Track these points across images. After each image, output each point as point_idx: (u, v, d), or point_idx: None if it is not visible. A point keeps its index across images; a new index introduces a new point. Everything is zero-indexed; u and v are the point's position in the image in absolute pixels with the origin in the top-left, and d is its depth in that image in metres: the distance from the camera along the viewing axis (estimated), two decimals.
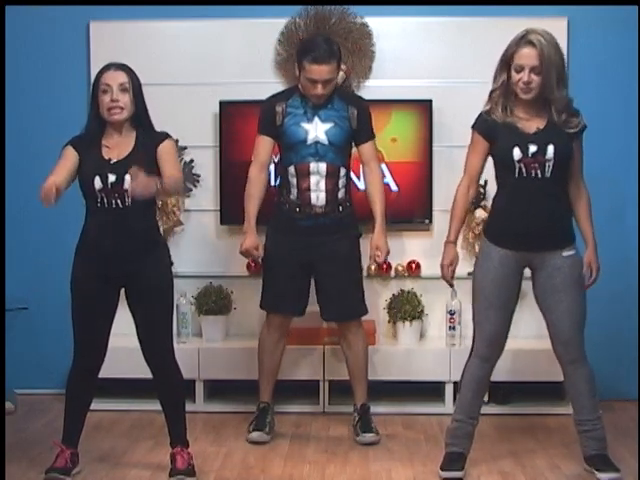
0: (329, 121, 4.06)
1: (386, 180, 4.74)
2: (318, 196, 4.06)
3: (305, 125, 4.05)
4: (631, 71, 4.73)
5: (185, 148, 4.84)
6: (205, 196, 4.88)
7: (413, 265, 4.80)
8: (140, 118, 3.56)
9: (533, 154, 3.47)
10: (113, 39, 4.82)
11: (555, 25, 4.71)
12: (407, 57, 4.80)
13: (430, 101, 4.73)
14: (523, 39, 3.47)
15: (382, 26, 4.80)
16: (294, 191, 4.08)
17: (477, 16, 4.75)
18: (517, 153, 3.47)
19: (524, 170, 3.48)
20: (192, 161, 4.86)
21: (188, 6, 4.78)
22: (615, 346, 4.71)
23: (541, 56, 3.43)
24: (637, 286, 4.74)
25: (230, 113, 4.77)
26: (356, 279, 4.18)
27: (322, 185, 4.06)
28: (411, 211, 4.82)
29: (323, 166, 4.05)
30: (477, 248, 4.71)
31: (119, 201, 3.46)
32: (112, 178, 3.46)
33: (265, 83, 4.76)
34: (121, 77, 3.51)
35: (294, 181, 4.08)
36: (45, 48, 4.86)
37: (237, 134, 4.77)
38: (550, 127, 3.50)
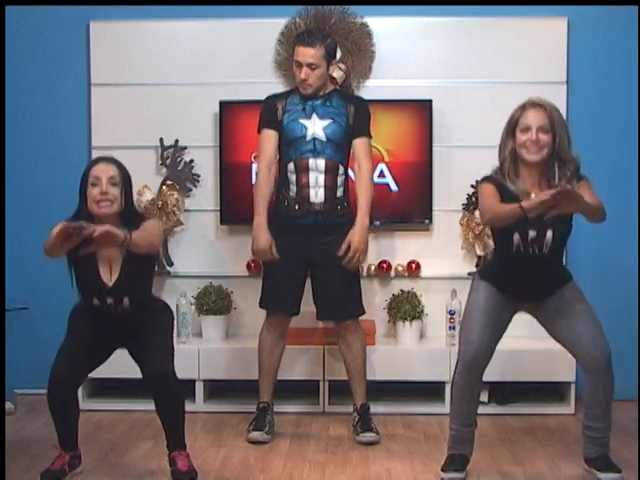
0: (327, 118, 4.07)
1: (386, 180, 4.76)
2: (317, 192, 4.07)
3: (303, 121, 4.06)
4: (631, 71, 4.73)
5: (185, 148, 4.84)
6: (205, 196, 4.88)
7: (413, 265, 4.79)
8: (129, 212, 3.50)
9: (532, 239, 3.46)
10: (113, 39, 4.82)
11: (555, 25, 4.74)
12: (407, 57, 4.81)
13: (430, 101, 4.73)
14: (527, 103, 3.47)
15: (382, 26, 4.81)
16: (293, 188, 4.09)
17: (477, 16, 4.75)
18: (516, 238, 3.46)
19: (522, 249, 3.47)
20: (192, 161, 4.86)
21: (188, 6, 4.78)
22: (615, 346, 4.67)
23: (550, 116, 3.43)
24: (637, 286, 4.74)
25: (230, 113, 4.77)
26: (353, 280, 4.17)
27: (321, 181, 4.06)
28: (411, 211, 4.82)
29: (322, 162, 4.06)
30: (477, 248, 4.74)
31: (118, 308, 3.50)
32: (110, 301, 3.49)
33: (265, 83, 4.76)
34: (111, 170, 3.47)
35: (293, 177, 4.08)
36: (45, 48, 4.86)
37: (237, 134, 4.77)
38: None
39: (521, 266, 3.50)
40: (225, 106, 4.77)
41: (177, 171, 4.84)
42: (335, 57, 4.20)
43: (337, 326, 4.19)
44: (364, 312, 4.22)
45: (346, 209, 4.14)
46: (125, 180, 3.51)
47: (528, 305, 3.61)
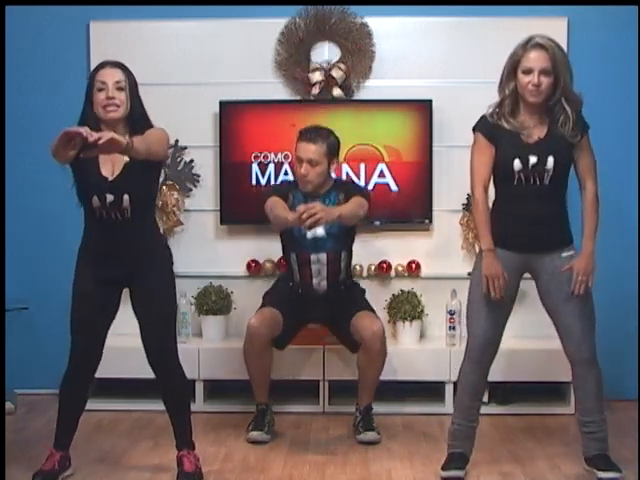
0: None
1: (386, 180, 4.76)
2: (320, 282, 4.16)
3: None
4: (631, 71, 4.73)
5: (185, 148, 4.85)
6: (205, 196, 4.88)
7: (413, 265, 4.80)
8: (135, 117, 3.46)
9: (533, 165, 3.46)
10: (113, 39, 4.82)
11: (555, 25, 4.73)
12: (407, 57, 4.80)
13: (430, 101, 4.73)
14: (530, 42, 3.46)
15: (382, 26, 4.81)
16: (297, 275, 4.18)
17: (477, 16, 4.75)
18: (517, 164, 3.46)
19: (523, 179, 3.47)
20: (192, 161, 4.86)
21: (188, 6, 4.78)
22: (615, 346, 4.70)
23: (552, 58, 3.42)
24: (637, 286, 4.74)
25: (230, 113, 4.77)
26: (362, 301, 4.25)
27: (324, 272, 4.14)
28: (411, 211, 4.82)
29: (323, 256, 4.12)
30: (477, 248, 4.73)
31: (118, 215, 3.42)
32: (110, 198, 3.41)
33: (265, 83, 4.77)
34: (117, 75, 3.43)
35: (296, 267, 4.17)
36: (45, 48, 4.86)
37: (237, 134, 4.77)
38: (551, 136, 3.48)
39: (521, 201, 3.48)
40: (225, 106, 4.77)
41: (177, 171, 4.84)
42: (337, 155, 4.16)
43: (365, 338, 4.07)
44: (373, 310, 4.21)
45: (349, 284, 4.25)
46: (132, 84, 3.47)
47: (532, 261, 3.54)
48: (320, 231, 4.07)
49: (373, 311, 4.21)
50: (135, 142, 3.22)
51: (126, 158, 3.37)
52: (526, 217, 3.49)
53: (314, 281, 4.15)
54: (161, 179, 4.78)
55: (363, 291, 4.35)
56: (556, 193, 3.52)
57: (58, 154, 3.21)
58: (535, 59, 3.43)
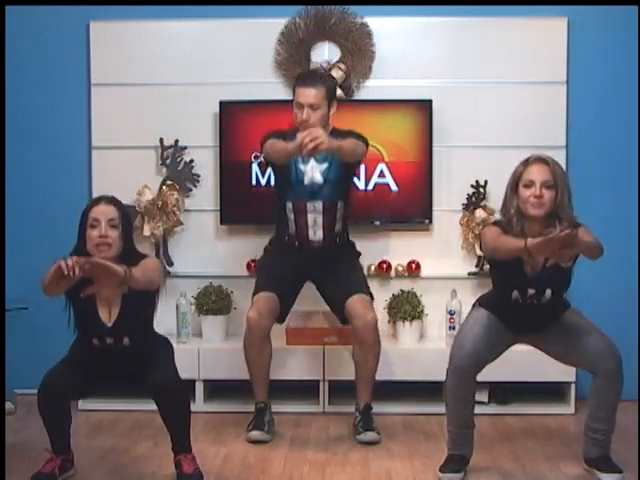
0: (325, 161, 4.07)
1: (386, 180, 4.76)
2: (315, 232, 4.13)
3: (302, 167, 4.09)
4: (631, 71, 4.73)
5: (185, 148, 4.85)
6: (205, 196, 4.88)
7: (413, 265, 4.79)
8: (128, 254, 3.45)
9: (531, 296, 3.49)
10: (113, 39, 4.82)
11: (555, 25, 4.74)
12: (407, 57, 4.81)
13: (430, 101, 4.73)
14: (531, 158, 3.48)
15: (382, 26, 4.81)
16: (292, 226, 4.15)
17: (477, 16, 4.75)
18: (515, 295, 3.50)
19: (520, 301, 3.51)
20: (192, 161, 4.86)
21: (188, 6, 4.78)
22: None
23: (553, 172, 3.43)
24: (637, 286, 4.74)
25: (230, 113, 4.77)
26: (359, 276, 4.22)
27: (319, 221, 4.11)
28: (411, 211, 4.82)
29: (319, 204, 4.10)
30: (477, 248, 4.73)
31: (118, 347, 3.48)
32: (110, 341, 3.47)
33: (265, 83, 4.77)
34: (110, 212, 3.43)
35: (292, 217, 4.13)
36: (45, 48, 4.86)
37: (237, 134, 4.77)
38: (549, 266, 3.43)
39: (520, 311, 3.54)
40: (225, 106, 4.77)
41: (177, 171, 4.84)
42: (335, 97, 4.16)
43: (357, 328, 4.08)
44: (373, 297, 4.20)
45: (345, 238, 4.22)
46: (125, 221, 3.47)
47: (528, 337, 3.65)
48: (317, 177, 4.06)
49: (368, 290, 4.18)
50: (134, 271, 3.25)
51: (121, 299, 3.42)
52: (524, 319, 3.55)
53: (310, 232, 4.11)
54: (161, 179, 4.84)
55: (358, 255, 4.30)
56: (554, 305, 3.56)
57: (52, 289, 3.23)
58: (536, 172, 3.43)
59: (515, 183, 3.48)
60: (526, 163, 3.48)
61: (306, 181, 4.09)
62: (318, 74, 4.20)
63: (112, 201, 3.49)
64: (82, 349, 3.55)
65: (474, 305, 3.71)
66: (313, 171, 4.08)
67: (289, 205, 4.12)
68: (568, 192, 3.47)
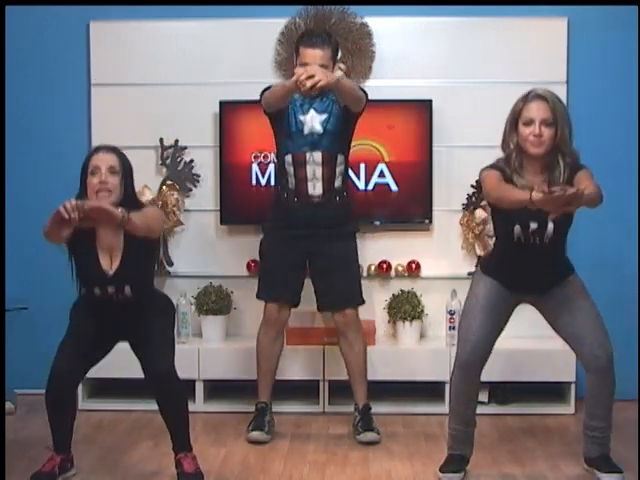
0: (324, 112, 4.06)
1: (386, 180, 4.76)
2: (315, 185, 4.07)
3: (301, 117, 4.07)
4: (631, 71, 4.73)
5: (185, 148, 4.85)
6: (205, 196, 4.88)
7: (413, 265, 4.79)
8: (128, 202, 3.46)
9: (533, 230, 3.44)
10: (113, 39, 4.82)
11: (555, 25, 4.74)
12: (407, 57, 4.81)
13: (430, 101, 4.73)
14: (530, 94, 3.44)
15: (382, 26, 4.81)
16: (292, 180, 4.09)
17: (477, 16, 4.75)
18: (517, 230, 3.45)
19: (522, 239, 3.46)
20: (192, 161, 4.86)
21: (188, 6, 4.78)
22: (615, 346, 4.69)
23: (553, 109, 3.39)
24: (637, 286, 4.74)
25: (230, 113, 4.77)
26: (353, 273, 4.19)
27: (319, 174, 4.06)
28: (411, 211, 4.82)
29: (318, 155, 4.05)
30: (477, 248, 4.74)
31: (120, 297, 3.49)
32: (112, 290, 3.48)
33: (265, 83, 4.73)
34: (110, 159, 3.46)
35: (291, 170, 4.08)
36: (45, 48, 4.86)
37: (237, 134, 4.77)
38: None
39: (522, 256, 3.48)
40: (225, 106, 4.77)
41: (177, 171, 4.84)
42: (338, 55, 4.19)
43: (338, 323, 4.17)
44: (364, 301, 4.21)
45: (345, 199, 4.14)
46: (125, 168, 3.50)
47: (530, 297, 3.59)
48: (317, 127, 4.05)
49: (357, 277, 4.18)
50: (133, 217, 3.27)
51: (121, 241, 3.43)
52: (525, 269, 3.50)
53: (309, 185, 4.05)
54: (161, 179, 4.84)
55: (354, 233, 4.21)
56: (556, 247, 3.52)
57: (52, 234, 3.26)
58: (536, 109, 3.40)
59: (515, 119, 3.45)
60: (525, 99, 3.44)
61: (306, 131, 4.05)
62: (321, 34, 4.14)
63: (112, 149, 3.52)
64: (82, 315, 3.55)
65: (476, 268, 3.66)
66: (313, 121, 4.06)
67: (288, 158, 4.08)
68: (569, 127, 3.43)
